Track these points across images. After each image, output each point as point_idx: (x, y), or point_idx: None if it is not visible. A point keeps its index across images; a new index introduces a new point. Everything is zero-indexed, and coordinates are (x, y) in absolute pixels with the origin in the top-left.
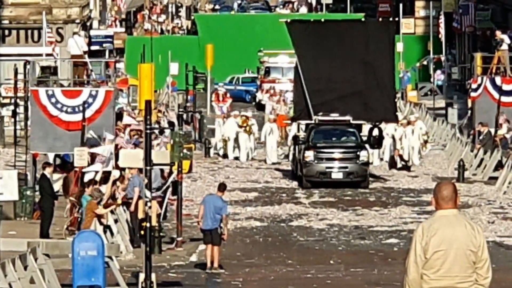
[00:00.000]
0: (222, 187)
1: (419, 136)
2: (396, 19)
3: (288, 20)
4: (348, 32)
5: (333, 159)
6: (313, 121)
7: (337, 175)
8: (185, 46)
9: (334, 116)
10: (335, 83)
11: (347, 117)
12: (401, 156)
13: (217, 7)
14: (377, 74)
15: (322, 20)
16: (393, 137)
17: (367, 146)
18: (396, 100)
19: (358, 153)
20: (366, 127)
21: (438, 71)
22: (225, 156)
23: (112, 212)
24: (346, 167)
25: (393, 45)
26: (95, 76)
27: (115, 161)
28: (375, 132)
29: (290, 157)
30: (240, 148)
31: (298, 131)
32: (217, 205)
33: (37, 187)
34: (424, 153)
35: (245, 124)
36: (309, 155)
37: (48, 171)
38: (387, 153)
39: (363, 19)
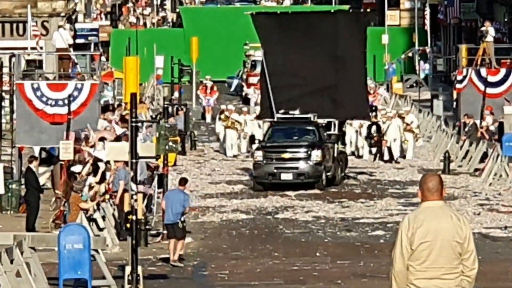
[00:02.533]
0: (183, 181)
1: (401, 130)
2: (368, 10)
3: (254, 13)
4: (317, 24)
5: (283, 159)
6: (274, 120)
7: (286, 176)
8: (170, 39)
9: (294, 114)
10: (303, 79)
11: (308, 115)
12: (389, 149)
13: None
14: (347, 69)
15: (290, 12)
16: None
17: (331, 144)
18: (368, 96)
19: (309, 152)
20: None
21: (422, 63)
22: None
23: (97, 206)
24: (297, 168)
25: (364, 38)
26: (80, 69)
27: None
28: (373, 129)
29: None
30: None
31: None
32: (179, 199)
33: (23, 181)
34: (418, 145)
35: (227, 122)
36: (259, 155)
37: (34, 164)
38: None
39: (332, 11)
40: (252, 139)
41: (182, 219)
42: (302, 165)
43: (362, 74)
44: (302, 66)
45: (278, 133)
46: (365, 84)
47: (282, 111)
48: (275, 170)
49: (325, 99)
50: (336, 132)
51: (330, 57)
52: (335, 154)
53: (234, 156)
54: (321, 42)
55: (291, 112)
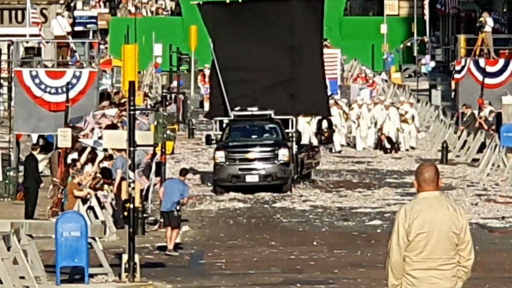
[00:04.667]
0: (184, 172)
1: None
2: None
3: (200, 2)
4: (270, 13)
5: (247, 160)
6: (229, 118)
7: (252, 178)
8: (169, 27)
9: (253, 111)
10: (256, 73)
11: (268, 111)
12: (388, 138)
13: None
14: (305, 61)
15: (240, 0)
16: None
17: (290, 143)
18: (326, 89)
19: (276, 152)
20: (312, 121)
21: (427, 56)
22: None
23: (96, 194)
24: (263, 169)
25: (321, 27)
26: (78, 57)
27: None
28: (324, 124)
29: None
30: None
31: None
32: (178, 188)
33: (20, 168)
34: (420, 137)
35: None
36: (220, 156)
37: (36, 152)
38: (371, 137)
39: None
40: (207, 139)
41: (178, 207)
42: (268, 166)
43: (320, 66)
44: (255, 59)
45: (235, 132)
46: (323, 77)
47: (238, 108)
48: (239, 172)
49: (282, 94)
50: (294, 129)
51: (286, 49)
52: (293, 154)
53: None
54: (275, 32)
55: (249, 109)
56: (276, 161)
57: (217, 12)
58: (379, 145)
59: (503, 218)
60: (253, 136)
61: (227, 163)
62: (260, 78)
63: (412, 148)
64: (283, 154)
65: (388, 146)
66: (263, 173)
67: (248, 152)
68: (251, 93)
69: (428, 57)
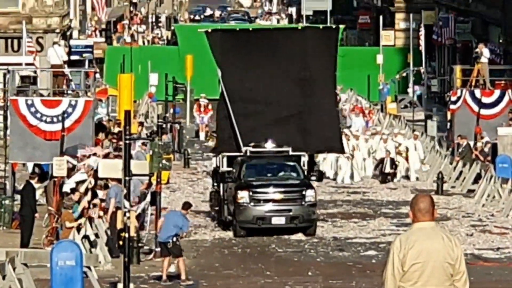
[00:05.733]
0: (186, 206)
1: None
2: (342, 26)
3: (209, 30)
4: (282, 42)
5: (274, 201)
6: (242, 153)
7: (278, 220)
8: (165, 57)
9: (269, 147)
10: (267, 105)
11: (286, 148)
12: (392, 160)
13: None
14: (317, 94)
15: (251, 29)
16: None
17: (312, 183)
18: (340, 124)
19: (303, 192)
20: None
21: (414, 85)
22: None
23: (90, 222)
24: (290, 210)
25: (335, 58)
26: (74, 86)
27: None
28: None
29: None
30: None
31: (218, 164)
32: (178, 222)
33: (16, 197)
34: (425, 169)
35: (212, 141)
36: (243, 196)
37: (34, 181)
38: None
39: (299, 28)
40: (222, 176)
41: (174, 239)
42: (295, 207)
43: (333, 100)
44: (266, 91)
45: (252, 169)
46: (337, 111)
47: (252, 143)
48: (265, 214)
49: (293, 129)
50: (316, 168)
51: (297, 80)
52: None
53: (208, 173)
54: (287, 62)
55: (264, 144)
56: (303, 202)
57: (226, 41)
58: (379, 168)
59: (498, 249)
60: (273, 175)
61: (251, 203)
62: (271, 111)
63: (417, 179)
64: (310, 195)
65: (388, 169)
66: (290, 215)
67: (274, 192)
68: (262, 127)
69: (416, 86)
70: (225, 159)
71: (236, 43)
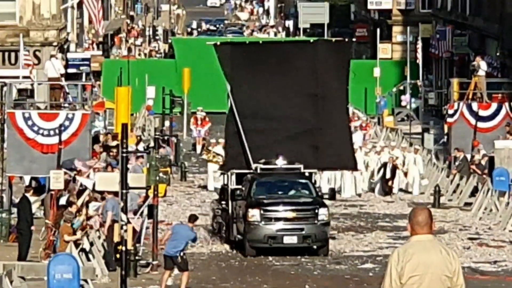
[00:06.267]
0: (192, 218)
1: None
2: (354, 39)
3: (218, 43)
4: (293, 56)
5: (286, 219)
6: (252, 170)
7: (290, 239)
8: (162, 70)
9: (281, 165)
10: (277, 121)
11: (297, 165)
12: (393, 167)
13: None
14: (328, 110)
15: (261, 42)
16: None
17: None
18: (352, 141)
19: (316, 211)
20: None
21: (405, 96)
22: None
23: (86, 236)
24: (302, 229)
25: (347, 72)
26: (71, 99)
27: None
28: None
29: (211, 213)
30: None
31: (226, 181)
32: (189, 235)
33: (13, 210)
34: (424, 183)
35: (208, 155)
36: (254, 214)
37: (30, 194)
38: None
39: (311, 41)
40: (232, 193)
41: (182, 253)
42: (308, 226)
43: (345, 116)
44: (276, 106)
45: (263, 187)
46: (349, 128)
47: (263, 160)
48: (277, 233)
49: (305, 146)
50: (329, 186)
51: (308, 96)
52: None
53: (216, 189)
54: (298, 77)
55: (275, 162)
56: (316, 221)
57: (236, 54)
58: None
59: (495, 262)
60: (284, 192)
61: (262, 222)
62: (282, 127)
63: (422, 193)
64: (323, 213)
65: (388, 175)
66: (302, 234)
67: (286, 210)
68: (273, 144)
69: (406, 97)
70: (233, 176)
71: (246, 56)
